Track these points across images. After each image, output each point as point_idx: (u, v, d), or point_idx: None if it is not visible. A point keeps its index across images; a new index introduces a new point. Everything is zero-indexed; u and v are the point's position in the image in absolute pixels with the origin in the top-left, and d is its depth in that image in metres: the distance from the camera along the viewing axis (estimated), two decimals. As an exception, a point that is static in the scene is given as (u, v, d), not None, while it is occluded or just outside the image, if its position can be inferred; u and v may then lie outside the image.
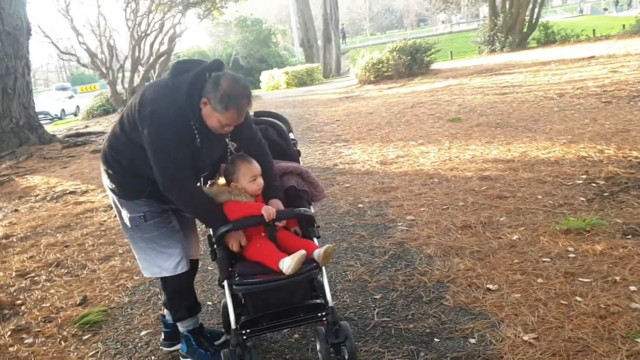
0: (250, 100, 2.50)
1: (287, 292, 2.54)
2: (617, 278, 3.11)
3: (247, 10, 44.31)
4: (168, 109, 2.45)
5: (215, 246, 2.66)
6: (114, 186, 2.76)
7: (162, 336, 3.11)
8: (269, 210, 2.54)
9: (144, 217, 2.72)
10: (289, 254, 2.44)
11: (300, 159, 3.08)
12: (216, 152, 2.73)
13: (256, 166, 2.66)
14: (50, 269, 4.71)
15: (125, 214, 2.77)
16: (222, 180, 2.78)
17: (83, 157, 11.03)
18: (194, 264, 2.99)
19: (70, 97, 32.80)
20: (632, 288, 2.98)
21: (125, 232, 2.87)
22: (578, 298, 2.97)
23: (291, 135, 3.07)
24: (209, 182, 2.83)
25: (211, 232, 2.75)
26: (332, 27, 32.85)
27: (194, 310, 2.95)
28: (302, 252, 2.40)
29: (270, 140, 2.92)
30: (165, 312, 3.07)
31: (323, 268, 2.55)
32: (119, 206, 2.80)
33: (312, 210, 2.82)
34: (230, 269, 2.57)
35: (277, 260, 2.43)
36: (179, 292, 2.88)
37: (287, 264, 2.38)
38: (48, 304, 3.96)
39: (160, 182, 2.51)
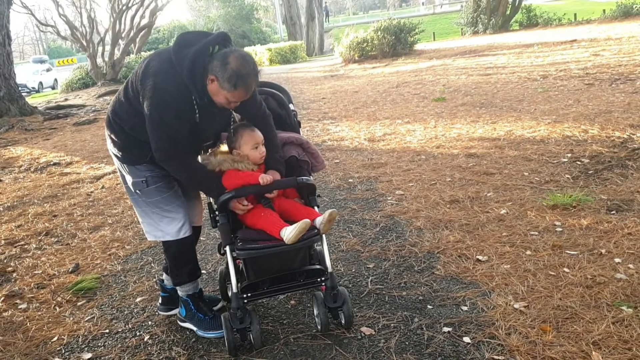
0: (258, 78, 2.51)
1: (288, 258, 2.59)
2: (603, 251, 3.23)
3: (229, -15, 43.78)
4: (168, 84, 2.45)
5: (216, 213, 2.69)
6: (117, 151, 2.77)
7: (160, 300, 3.14)
8: (265, 178, 2.57)
9: (146, 182, 2.74)
10: (291, 222, 2.49)
11: (300, 129, 3.10)
12: (218, 123, 2.75)
13: (259, 134, 2.68)
14: (40, 238, 4.70)
15: (128, 179, 2.79)
16: (224, 148, 2.79)
17: (65, 130, 10.88)
18: (196, 230, 3.01)
19: (48, 70, 32.13)
20: (617, 260, 3.10)
21: (130, 196, 2.89)
22: (566, 269, 3.07)
23: (291, 107, 3.09)
24: (210, 150, 2.85)
25: (212, 200, 2.78)
26: (315, 5, 32.59)
27: (194, 275, 2.97)
28: (306, 221, 2.44)
29: (271, 111, 2.93)
30: (165, 276, 3.10)
31: (323, 235, 2.60)
32: (122, 171, 2.82)
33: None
34: (232, 236, 2.60)
35: (279, 229, 2.47)
36: (181, 256, 2.90)
37: (289, 232, 2.42)
38: (40, 271, 3.96)
39: (156, 155, 2.55)
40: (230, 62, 2.38)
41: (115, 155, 2.80)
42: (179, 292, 2.97)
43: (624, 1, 22.50)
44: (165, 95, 2.43)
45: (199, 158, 2.75)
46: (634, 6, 20.10)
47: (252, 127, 2.68)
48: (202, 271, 3.65)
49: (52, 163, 7.66)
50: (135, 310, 3.26)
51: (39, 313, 3.32)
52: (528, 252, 3.33)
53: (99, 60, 19.70)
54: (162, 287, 3.11)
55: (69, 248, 4.40)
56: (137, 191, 2.76)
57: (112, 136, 2.75)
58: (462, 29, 25.15)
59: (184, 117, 2.49)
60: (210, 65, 2.42)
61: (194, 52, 2.43)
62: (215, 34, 2.54)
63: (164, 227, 2.80)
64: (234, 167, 2.66)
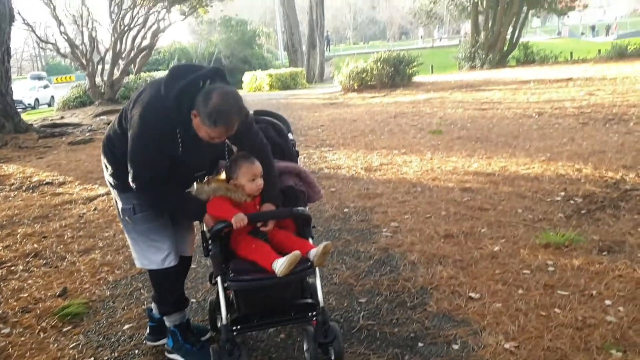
0: (243, 113, 2.46)
1: (280, 291, 2.57)
2: (594, 292, 3.22)
3: (232, 10, 44.22)
4: (154, 114, 2.47)
5: (209, 242, 2.67)
6: (109, 177, 2.80)
7: (147, 330, 3.11)
8: (238, 218, 2.53)
9: (134, 209, 2.76)
10: (284, 254, 2.47)
11: (298, 159, 3.11)
12: (207, 156, 2.76)
13: (257, 166, 2.66)
14: (28, 259, 4.64)
15: (119, 205, 2.82)
16: (222, 176, 2.79)
17: (60, 148, 10.86)
18: (185, 261, 2.99)
19: (45, 87, 32.22)
20: (607, 302, 3.09)
21: (121, 222, 2.91)
22: (557, 310, 3.07)
23: (290, 136, 3.10)
24: (207, 178, 2.84)
25: (205, 228, 2.76)
26: (317, 34, 32.99)
27: (181, 305, 2.96)
28: (296, 253, 2.42)
29: (269, 140, 2.94)
30: (153, 305, 3.08)
31: (317, 269, 2.59)
32: (115, 197, 2.86)
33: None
34: (223, 266, 2.59)
35: (271, 261, 2.45)
36: (166, 286, 2.90)
37: (280, 264, 2.41)
38: (26, 295, 3.91)
39: (132, 185, 2.58)
40: (212, 98, 2.37)
41: (109, 181, 2.84)
42: (166, 322, 2.95)
43: (619, 42, 22.89)
44: (148, 126, 2.47)
45: (194, 186, 2.73)
46: (629, 47, 20.43)
47: (252, 159, 2.67)
48: (192, 300, 3.63)
49: (44, 182, 7.62)
50: (122, 338, 3.21)
51: (22, 338, 3.26)
52: (520, 291, 3.32)
53: (98, 79, 19.78)
54: (150, 316, 3.09)
55: (57, 271, 4.35)
56: (126, 218, 2.80)
57: (106, 162, 2.79)
58: (459, 63, 25.46)
59: (163, 147, 2.50)
60: (195, 100, 2.42)
61: (183, 85, 2.44)
62: (208, 68, 2.56)
63: (150, 256, 2.82)
64: (227, 195, 2.65)
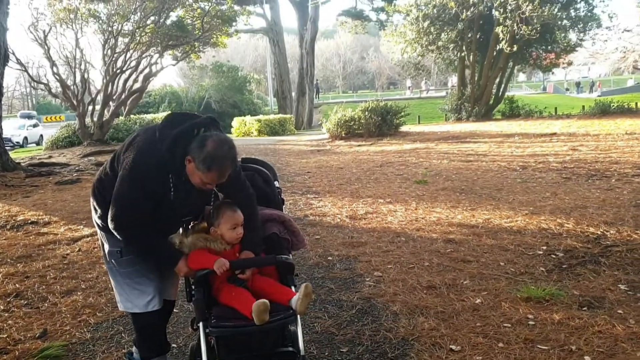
0: (236, 162, 2.59)
1: (261, 339, 2.58)
2: (573, 347, 3.25)
3: (224, 56, 45.04)
4: (146, 160, 2.53)
5: (193, 287, 2.69)
6: (98, 219, 2.82)
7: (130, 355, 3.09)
8: (219, 264, 2.58)
9: (120, 252, 2.77)
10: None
11: (283, 206, 3.16)
12: (196, 202, 2.79)
13: (239, 215, 2.72)
14: (8, 299, 4.59)
15: (106, 247, 2.83)
16: (204, 224, 2.84)
17: (47, 188, 10.82)
18: (168, 305, 2.99)
19: (35, 126, 32.27)
20: (587, 358, 3.12)
21: (106, 264, 2.91)
22: (537, 364, 3.08)
23: (276, 184, 3.16)
24: (191, 224, 2.88)
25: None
26: (307, 82, 33.61)
27: (162, 350, 2.95)
28: (263, 302, 2.42)
29: (256, 187, 2.99)
30: (134, 349, 3.05)
31: (298, 317, 2.61)
32: (102, 239, 2.87)
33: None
34: (206, 312, 2.59)
35: (250, 308, 2.47)
36: (149, 330, 2.89)
37: (254, 314, 2.41)
38: (5, 335, 3.85)
39: (110, 224, 2.61)
40: (207, 144, 2.46)
41: (97, 223, 2.86)
42: None
43: (602, 99, 23.53)
44: (140, 169, 2.52)
45: (176, 240, 2.75)
46: (612, 105, 21.00)
47: (234, 208, 2.73)
48: (173, 345, 3.60)
49: (29, 222, 7.57)
50: (100, 383, 3.17)
51: (0, 380, 3.21)
52: (500, 344, 3.34)
53: (88, 120, 19.88)
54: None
55: (38, 312, 4.30)
56: (112, 260, 2.81)
57: (95, 204, 2.82)
58: (446, 114, 25.96)
59: (154, 193, 2.55)
60: (189, 146, 2.49)
61: (178, 132, 2.52)
62: (203, 117, 2.64)
63: (133, 299, 2.81)
64: (207, 246, 2.69)
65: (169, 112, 2.92)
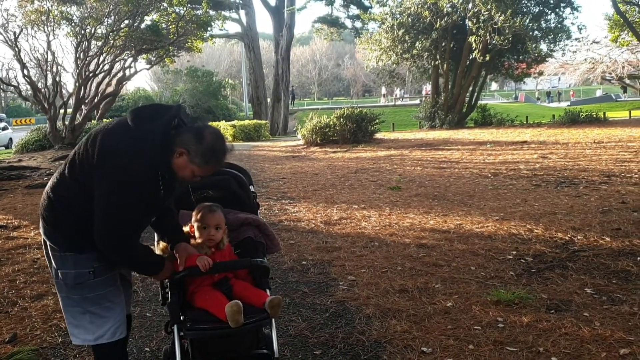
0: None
1: (235, 341, 2.60)
2: (541, 349, 3.34)
3: (198, 61, 44.82)
4: (135, 162, 2.35)
5: (166, 290, 2.70)
6: (59, 239, 2.53)
7: None
8: (202, 260, 2.59)
9: (94, 273, 2.53)
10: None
11: (258, 211, 3.19)
12: (172, 198, 2.76)
13: (213, 216, 2.73)
14: (-23, 304, 4.51)
15: (67, 271, 2.54)
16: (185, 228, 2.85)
17: (16, 192, 10.63)
18: (129, 321, 2.88)
19: (4, 129, 31.60)
20: (554, 359, 3.21)
21: (60, 294, 2.63)
22: (506, 365, 3.16)
23: (251, 188, 3.19)
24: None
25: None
26: (282, 88, 33.63)
27: None
28: (234, 302, 2.44)
29: (231, 192, 3.02)
30: None
31: (272, 320, 2.63)
32: (61, 261, 2.55)
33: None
34: (180, 315, 2.60)
35: (224, 310, 2.49)
36: (115, 359, 2.70)
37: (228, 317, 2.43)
38: (-27, 340, 3.79)
39: (99, 235, 2.39)
40: (205, 137, 2.40)
41: (56, 243, 2.55)
42: None
43: (572, 109, 24.05)
44: (131, 175, 2.34)
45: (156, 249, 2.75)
46: (581, 114, 21.50)
47: (214, 209, 2.75)
48: (146, 349, 3.60)
49: (-2, 225, 7.44)
50: (71, 387, 3.14)
51: (-32, 385, 3.16)
52: (471, 346, 3.41)
53: (59, 124, 19.58)
54: None
55: (7, 317, 4.23)
56: (77, 284, 2.53)
57: (57, 221, 2.52)
58: (420, 122, 26.24)
59: (148, 196, 2.42)
60: (179, 138, 2.40)
61: (163, 126, 2.40)
62: (174, 107, 2.51)
63: (96, 329, 2.58)
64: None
65: (133, 107, 2.67)
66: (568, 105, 37.17)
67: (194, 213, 2.78)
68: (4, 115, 42.12)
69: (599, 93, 54.22)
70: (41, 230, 2.61)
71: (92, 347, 2.68)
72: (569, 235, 5.77)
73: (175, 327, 2.57)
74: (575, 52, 29.26)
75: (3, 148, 28.62)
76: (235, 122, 28.13)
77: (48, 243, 2.58)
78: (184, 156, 2.40)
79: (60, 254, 2.54)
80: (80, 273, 2.52)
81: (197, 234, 2.76)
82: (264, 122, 29.32)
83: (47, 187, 2.57)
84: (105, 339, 2.59)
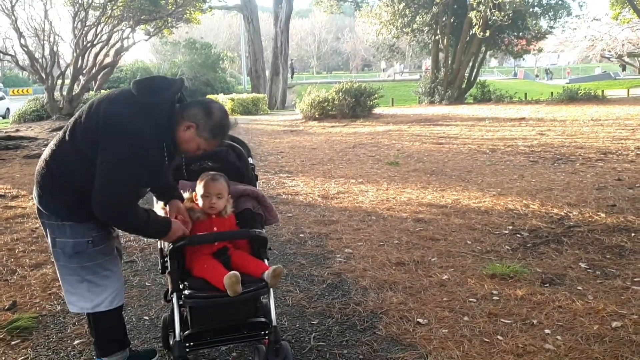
0: None
1: (234, 309, 2.64)
2: (535, 321, 3.39)
3: (197, 33, 44.32)
4: (144, 131, 2.35)
5: (166, 259, 2.72)
6: (59, 208, 2.54)
7: None
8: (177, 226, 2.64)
9: (92, 242, 2.56)
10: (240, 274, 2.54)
11: (257, 183, 3.20)
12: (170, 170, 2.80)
13: (215, 185, 2.75)
14: (-24, 272, 4.55)
15: (65, 240, 2.55)
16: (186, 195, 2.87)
17: (14, 162, 10.63)
18: None
19: (1, 99, 31.36)
20: (547, 331, 3.26)
21: (58, 262, 2.63)
22: (499, 337, 3.21)
23: (250, 160, 3.19)
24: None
25: (164, 245, 2.81)
26: (281, 61, 33.34)
27: (124, 343, 2.84)
28: (232, 273, 2.46)
29: (230, 163, 3.03)
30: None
31: (271, 289, 2.67)
32: (59, 230, 2.55)
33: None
34: (179, 283, 2.63)
35: (221, 280, 2.52)
36: (113, 327, 2.75)
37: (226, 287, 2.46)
38: (-27, 307, 3.84)
39: (99, 204, 2.38)
40: (214, 112, 2.45)
41: (54, 212, 2.55)
42: None
43: (570, 86, 23.97)
44: (139, 143, 2.35)
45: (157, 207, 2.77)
46: (579, 91, 21.41)
47: (217, 178, 2.76)
48: (145, 317, 3.65)
49: (-3, 195, 7.46)
50: (72, 353, 3.19)
51: (-31, 350, 3.21)
52: (466, 318, 3.46)
53: (57, 94, 19.46)
54: None
55: (7, 284, 4.28)
56: (75, 253, 2.54)
57: (55, 191, 2.52)
58: (419, 97, 26.11)
59: (151, 166, 2.44)
60: (187, 111, 2.43)
61: (169, 99, 2.42)
62: (178, 80, 2.55)
63: (94, 297, 2.60)
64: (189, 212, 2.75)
65: (137, 78, 2.65)
66: (567, 83, 37.01)
67: (197, 182, 2.80)
68: (1, 85, 41.79)
69: (597, 71, 53.95)
70: (36, 200, 2.62)
71: (90, 314, 2.72)
72: (564, 211, 5.81)
73: (174, 296, 2.61)
74: (575, 29, 29.00)
75: (0, 118, 28.45)
76: (233, 95, 27.97)
77: (44, 212, 2.58)
78: (191, 129, 2.44)
79: (57, 223, 2.55)
80: (78, 242, 2.54)
81: (200, 202, 2.78)
82: (262, 95, 29.14)
83: (45, 156, 2.56)
84: (103, 307, 2.63)
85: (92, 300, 2.61)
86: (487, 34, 20.76)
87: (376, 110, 19.47)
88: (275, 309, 2.71)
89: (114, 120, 2.38)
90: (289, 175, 8.62)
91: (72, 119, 2.54)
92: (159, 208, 2.84)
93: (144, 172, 2.43)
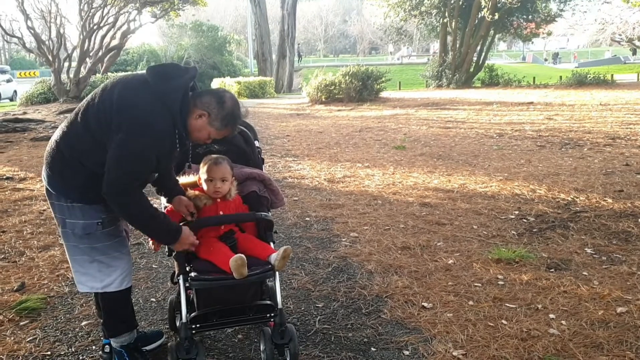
0: None
1: (240, 292, 2.65)
2: (539, 306, 3.40)
3: (204, 15, 44.12)
4: (155, 117, 2.36)
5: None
6: (68, 189, 2.54)
7: (104, 348, 2.90)
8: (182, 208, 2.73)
9: (102, 224, 2.58)
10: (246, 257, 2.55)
11: (263, 166, 3.20)
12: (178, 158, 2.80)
13: (220, 169, 2.74)
14: (-15, 253, 4.60)
15: (75, 221, 2.56)
16: (189, 179, 2.88)
17: (22, 144, 10.67)
18: None
19: (8, 81, 31.42)
20: (551, 316, 3.27)
21: (67, 242, 2.65)
22: (504, 321, 3.22)
23: (257, 143, 3.19)
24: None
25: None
26: (287, 44, 33.15)
27: (132, 325, 2.85)
28: (240, 256, 2.47)
29: (236, 146, 3.03)
30: (104, 340, 2.90)
31: (277, 272, 2.68)
32: (69, 211, 2.57)
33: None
34: (186, 266, 2.65)
35: (227, 263, 2.53)
36: (121, 308, 2.77)
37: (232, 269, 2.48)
38: (-18, 287, 3.88)
39: (108, 189, 2.40)
40: (226, 101, 2.47)
41: (63, 195, 2.56)
42: (112, 342, 2.82)
43: (579, 70, 23.74)
44: (151, 129, 2.36)
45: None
46: (588, 76, 21.21)
47: (219, 162, 2.76)
48: (152, 299, 3.68)
49: (4, 177, 7.49)
50: (80, 334, 3.23)
51: (-21, 330, 3.25)
52: (470, 303, 3.47)
53: (64, 77, 19.48)
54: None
55: (15, 266, 4.32)
56: (85, 235, 2.57)
57: (66, 172, 2.52)
58: (427, 81, 25.99)
59: (164, 151, 2.45)
60: (199, 100, 2.44)
61: (183, 87, 2.42)
62: (191, 68, 2.56)
63: (104, 277, 2.63)
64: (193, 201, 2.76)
65: (151, 65, 2.65)
66: (576, 67, 36.64)
67: (200, 166, 2.80)
68: (8, 67, 41.82)
69: (607, 55, 53.36)
70: (45, 181, 2.62)
71: (99, 294, 2.74)
72: (571, 196, 5.79)
73: (181, 278, 2.62)
74: (585, 12, 28.66)
75: (7, 101, 28.52)
76: (240, 78, 27.93)
77: (53, 193, 2.59)
78: (203, 118, 2.45)
79: (67, 204, 2.56)
80: (88, 224, 2.56)
81: (204, 186, 2.79)
82: (268, 79, 29.06)
83: (55, 137, 2.57)
84: (113, 287, 2.65)
85: (102, 280, 2.63)
86: (496, 16, 20.57)
87: (383, 94, 19.39)
88: (281, 292, 2.73)
89: (127, 104, 2.39)
90: (295, 159, 8.62)
91: (85, 101, 2.54)
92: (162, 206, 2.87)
93: (154, 157, 2.43)
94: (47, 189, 2.64)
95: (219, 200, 2.78)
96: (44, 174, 2.63)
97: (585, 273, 3.88)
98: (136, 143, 2.34)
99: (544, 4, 23.31)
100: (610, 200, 5.56)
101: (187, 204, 2.73)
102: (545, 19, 24.11)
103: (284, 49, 33.41)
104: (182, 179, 2.89)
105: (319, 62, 52.85)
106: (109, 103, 2.41)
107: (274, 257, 2.60)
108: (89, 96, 2.53)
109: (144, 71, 2.52)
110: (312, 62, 57.52)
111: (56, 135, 2.57)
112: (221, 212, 2.77)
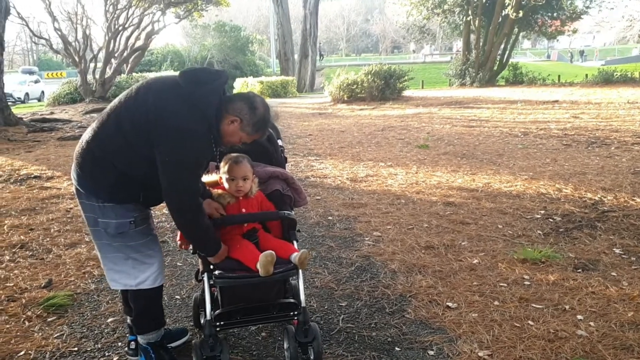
0: None
1: (264, 290, 2.66)
2: (567, 307, 3.34)
3: (227, 15, 44.41)
4: (195, 124, 2.40)
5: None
6: (100, 190, 2.56)
7: (129, 345, 2.96)
8: (212, 207, 2.72)
9: (134, 223, 2.61)
10: None
11: (286, 165, 3.20)
12: None
13: (240, 168, 2.74)
14: (14, 250, 4.67)
15: (107, 221, 2.58)
16: (212, 177, 2.89)
17: (49, 143, 10.86)
18: None
19: (36, 82, 32.04)
20: (579, 317, 3.21)
21: (99, 241, 2.67)
22: (530, 322, 3.17)
23: (280, 142, 3.19)
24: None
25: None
26: (310, 44, 33.18)
27: (161, 322, 2.87)
28: (270, 253, 2.48)
29: (260, 145, 3.03)
30: (130, 336, 2.95)
31: (300, 271, 2.68)
32: (100, 211, 2.58)
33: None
34: (210, 264, 2.66)
35: (255, 261, 2.54)
36: (153, 305, 2.80)
37: (259, 266, 2.49)
38: (12, 284, 3.94)
39: (173, 201, 2.46)
40: (258, 107, 2.50)
41: (93, 194, 2.57)
42: (139, 339, 2.84)
43: (606, 68, 23.32)
44: (195, 134, 2.40)
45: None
46: (615, 73, 20.83)
47: (239, 160, 2.76)
48: (176, 296, 3.71)
49: (32, 176, 7.63)
50: (105, 331, 3.27)
51: (8, 326, 3.30)
52: (496, 303, 3.43)
53: (89, 77, 19.77)
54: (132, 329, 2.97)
55: (43, 263, 4.39)
56: (118, 234, 2.59)
57: (97, 173, 2.54)
58: (450, 79, 25.79)
59: (206, 158, 2.54)
60: (232, 105, 2.47)
61: (217, 92, 2.46)
62: (223, 72, 2.58)
63: (139, 274, 2.66)
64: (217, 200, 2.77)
65: (184, 69, 2.64)
66: (602, 65, 35.99)
67: (221, 165, 2.80)
68: (36, 68, 42.63)
69: (635, 52, 52.32)
70: (75, 180, 2.64)
71: (130, 292, 2.76)
72: (598, 196, 5.68)
73: (205, 276, 2.64)
74: (613, 8, 28.17)
75: (35, 101, 29.07)
76: (262, 78, 28.06)
77: (83, 192, 2.61)
78: (235, 124, 2.48)
79: (99, 204, 2.58)
80: (121, 223, 2.59)
81: (225, 185, 2.80)
82: (291, 78, 29.13)
83: (87, 138, 2.58)
84: (146, 285, 2.68)
85: (137, 277, 2.66)
86: (520, 14, 20.33)
87: (406, 93, 19.29)
88: (304, 291, 2.73)
89: (166, 114, 2.42)
90: (318, 158, 8.62)
91: (115, 102, 2.56)
92: None
93: (204, 160, 2.53)
94: (76, 188, 2.66)
95: (241, 198, 2.79)
96: (73, 173, 2.65)
97: (613, 274, 3.80)
98: (185, 150, 2.39)
99: (569, 1, 22.96)
100: (639, 200, 5.44)
101: (217, 207, 2.75)
102: (570, 17, 23.74)
103: (306, 49, 33.45)
104: (204, 178, 2.90)
105: (341, 61, 52.75)
106: (144, 111, 2.43)
107: (294, 257, 2.60)
108: (120, 98, 2.56)
109: (171, 73, 2.56)
110: (334, 61, 57.48)
111: (87, 135, 2.59)
112: (244, 210, 2.78)
